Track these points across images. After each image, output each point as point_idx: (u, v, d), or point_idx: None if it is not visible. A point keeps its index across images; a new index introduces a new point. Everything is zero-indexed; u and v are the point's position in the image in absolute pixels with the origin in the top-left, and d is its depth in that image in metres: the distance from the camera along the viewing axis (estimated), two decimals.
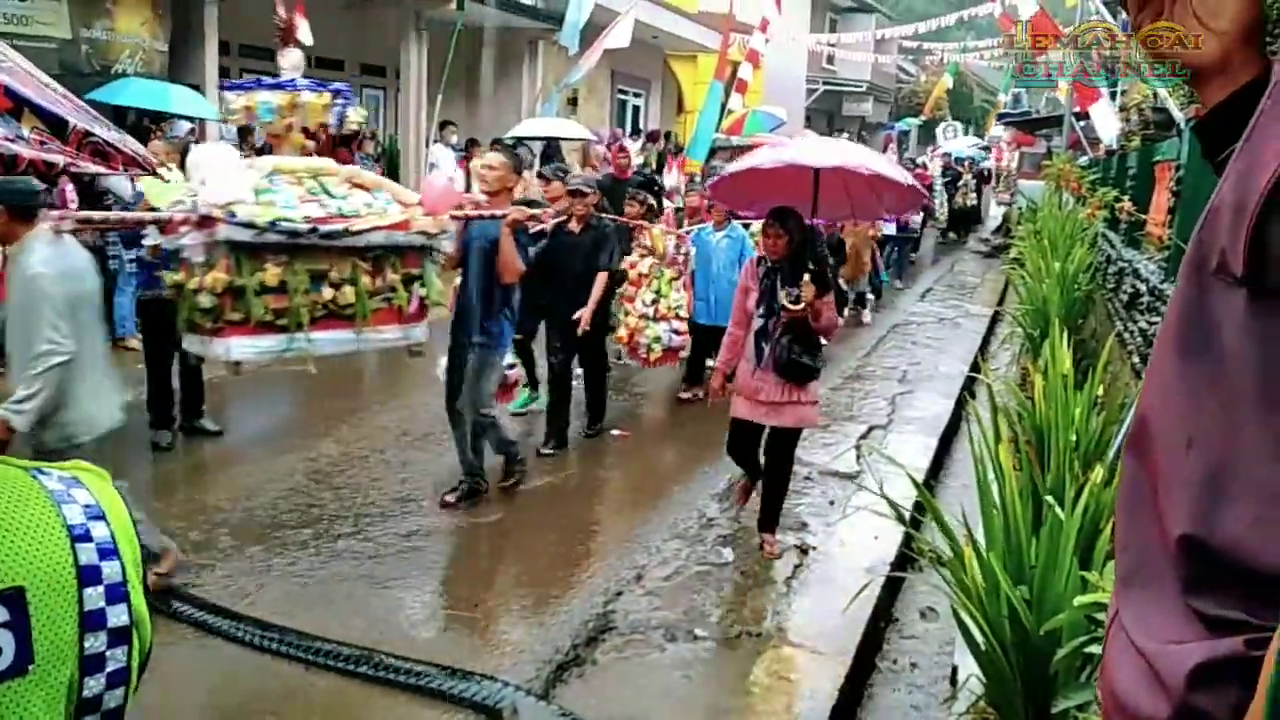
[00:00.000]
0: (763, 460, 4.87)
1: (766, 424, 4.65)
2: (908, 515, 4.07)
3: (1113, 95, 14.04)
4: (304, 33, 4.66)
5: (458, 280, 5.23)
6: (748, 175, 5.08)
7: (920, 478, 5.16)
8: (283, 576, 4.33)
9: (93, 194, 7.08)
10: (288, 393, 7.49)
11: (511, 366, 5.63)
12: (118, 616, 0.88)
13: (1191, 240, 0.83)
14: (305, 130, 4.51)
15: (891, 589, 4.56)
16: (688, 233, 7.45)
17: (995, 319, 11.86)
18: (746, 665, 3.78)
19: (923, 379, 8.66)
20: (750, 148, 7.79)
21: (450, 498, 5.15)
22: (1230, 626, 0.73)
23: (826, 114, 32.06)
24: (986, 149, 24.13)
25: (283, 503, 5.13)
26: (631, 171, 9.75)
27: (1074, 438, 4.07)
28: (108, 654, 0.87)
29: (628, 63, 18.36)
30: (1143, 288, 6.43)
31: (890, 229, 12.69)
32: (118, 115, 8.83)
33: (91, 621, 0.86)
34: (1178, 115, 8.89)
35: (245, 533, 4.73)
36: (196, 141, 8.92)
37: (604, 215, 6.61)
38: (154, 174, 1.70)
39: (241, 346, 4.20)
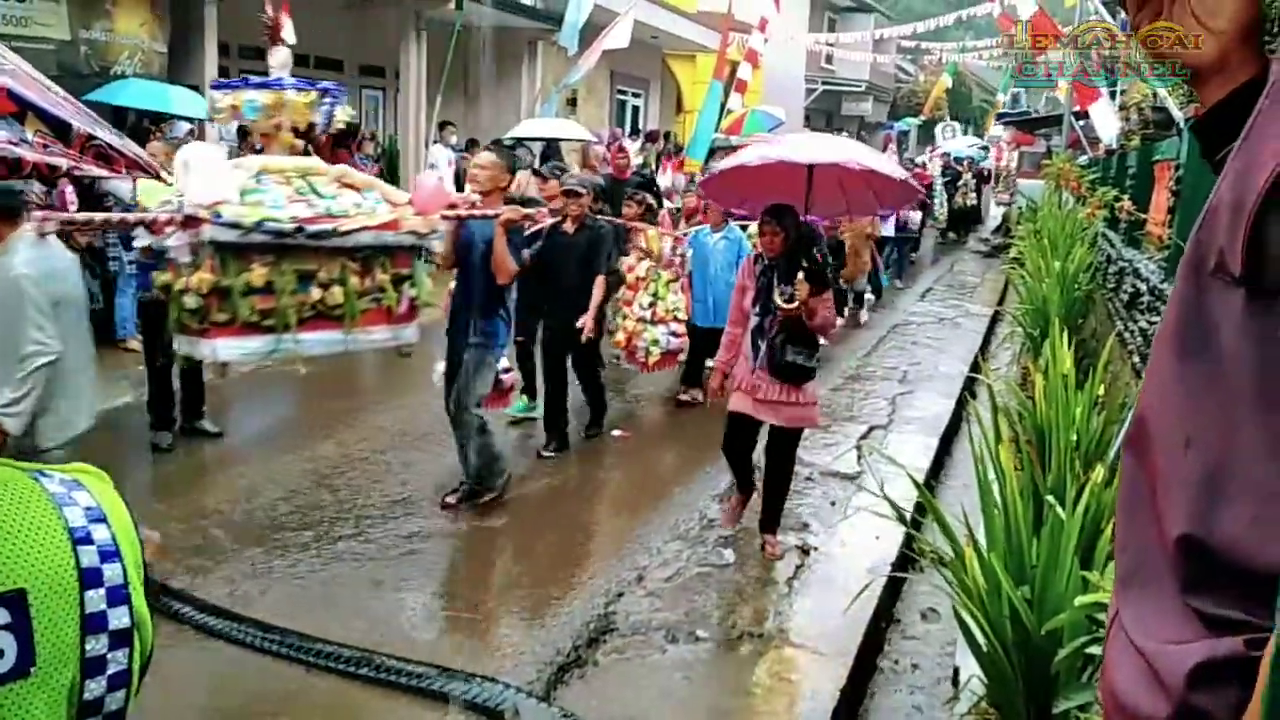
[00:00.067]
0: (762, 461, 4.86)
1: (764, 420, 4.62)
2: (909, 516, 4.06)
3: (1112, 95, 14.05)
4: (288, 31, 4.65)
5: (453, 282, 5.21)
6: (736, 172, 5.05)
7: (921, 478, 5.16)
8: (283, 578, 4.33)
9: (93, 196, 7.08)
10: (288, 394, 7.49)
11: (507, 370, 5.60)
12: (119, 619, 0.88)
13: (1190, 240, 0.83)
14: (295, 130, 4.50)
15: (893, 590, 4.56)
16: (685, 235, 7.43)
17: (995, 319, 11.85)
18: (748, 666, 3.78)
19: (923, 379, 8.66)
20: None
21: (451, 499, 5.14)
22: (1229, 626, 0.73)
23: (825, 114, 32.06)
24: (985, 149, 24.13)
25: (283, 504, 5.13)
26: (630, 172, 9.75)
27: (1075, 437, 4.07)
28: (109, 656, 0.87)
29: (627, 63, 18.36)
30: (1143, 287, 6.43)
31: (890, 229, 12.66)
32: (117, 116, 8.84)
33: (93, 624, 0.86)
34: (1177, 115, 8.89)
35: (245, 534, 4.73)
36: (197, 141, 8.91)
37: (599, 216, 6.60)
38: (157, 177, 1.70)
39: (228, 347, 4.19)
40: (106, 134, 1.16)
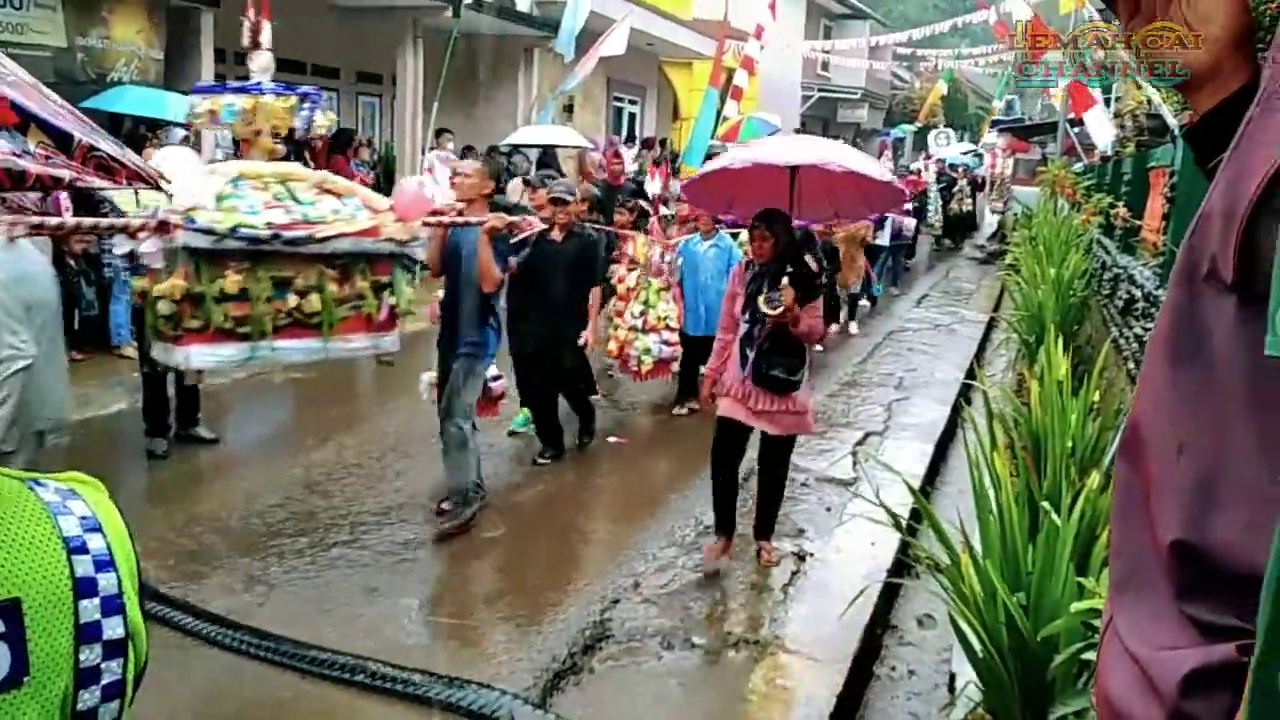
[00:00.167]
0: (754, 469, 4.83)
1: (755, 426, 4.54)
2: (904, 522, 4.07)
3: (1107, 102, 14.09)
4: (266, 35, 4.64)
5: (440, 290, 5.16)
6: (718, 176, 4.97)
7: (917, 484, 5.15)
8: (278, 585, 4.32)
9: (90, 202, 7.07)
10: (283, 400, 7.48)
11: (496, 378, 5.56)
12: (113, 629, 0.88)
13: (1182, 247, 0.84)
14: (277, 135, 4.48)
15: (889, 596, 4.56)
16: (674, 243, 7.37)
17: (991, 325, 11.87)
18: (744, 673, 3.78)
19: (919, 385, 8.67)
20: None
21: (446, 506, 5.13)
22: (1224, 633, 0.73)
23: (822, 120, 32.12)
24: (979, 156, 24.19)
25: (278, 510, 5.12)
26: (625, 178, 9.76)
27: (1070, 444, 4.07)
28: (103, 666, 0.87)
29: (623, 70, 18.40)
30: (1138, 293, 6.44)
31: (885, 238, 12.66)
32: (114, 123, 8.84)
33: (87, 633, 0.86)
34: (1172, 121, 8.92)
35: (240, 541, 4.72)
36: (194, 148, 8.92)
37: (586, 223, 6.55)
38: (158, 188, 1.69)
39: (202, 354, 4.15)
40: (108, 145, 1.16)
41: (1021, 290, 8.99)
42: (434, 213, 4.81)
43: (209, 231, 3.97)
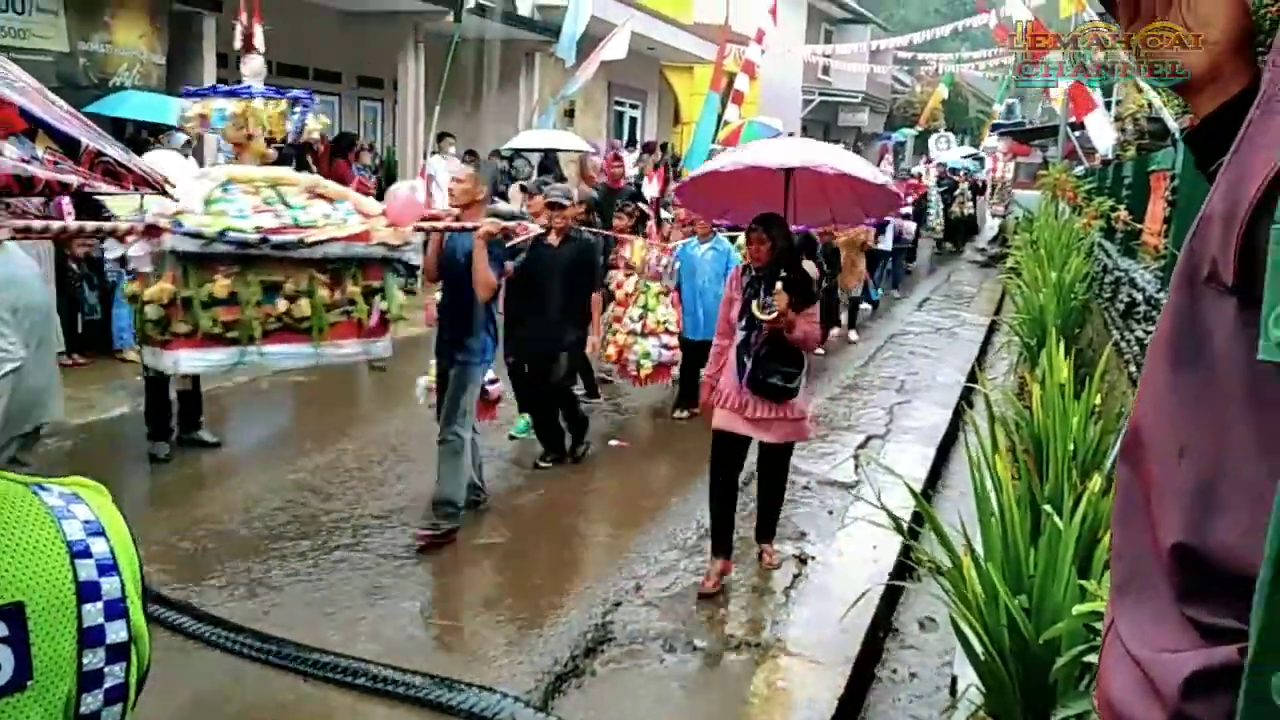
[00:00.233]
0: (756, 473, 4.80)
1: (756, 437, 4.46)
2: (906, 525, 4.06)
3: (1108, 106, 14.09)
4: (259, 39, 4.63)
5: (437, 295, 5.10)
6: (710, 179, 4.90)
7: (918, 487, 5.15)
8: (280, 588, 4.32)
9: (91, 205, 7.08)
10: (285, 404, 7.49)
11: (493, 381, 5.54)
12: (116, 633, 0.88)
13: (1183, 250, 0.84)
14: (272, 139, 4.47)
15: (891, 599, 4.55)
16: (672, 247, 7.35)
17: (992, 328, 11.87)
18: (745, 676, 3.77)
19: (920, 389, 8.67)
20: None
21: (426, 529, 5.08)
22: (1225, 635, 0.74)
23: (823, 125, 32.14)
24: (980, 159, 24.20)
25: (281, 514, 5.12)
26: (625, 181, 9.76)
27: (1072, 447, 4.07)
28: (106, 670, 0.87)
29: (624, 74, 18.41)
30: (1139, 297, 6.44)
31: (887, 243, 12.65)
32: (116, 128, 8.85)
33: (90, 637, 0.86)
34: (1173, 125, 8.91)
35: (243, 544, 4.73)
36: (196, 153, 8.94)
37: (583, 228, 6.53)
38: (163, 193, 1.70)
39: (190, 359, 4.14)
40: (115, 150, 1.16)
41: (1023, 294, 8.99)
42: (430, 218, 4.79)
43: (197, 235, 3.95)
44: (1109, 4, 0.98)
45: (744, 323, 4.38)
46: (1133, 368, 5.89)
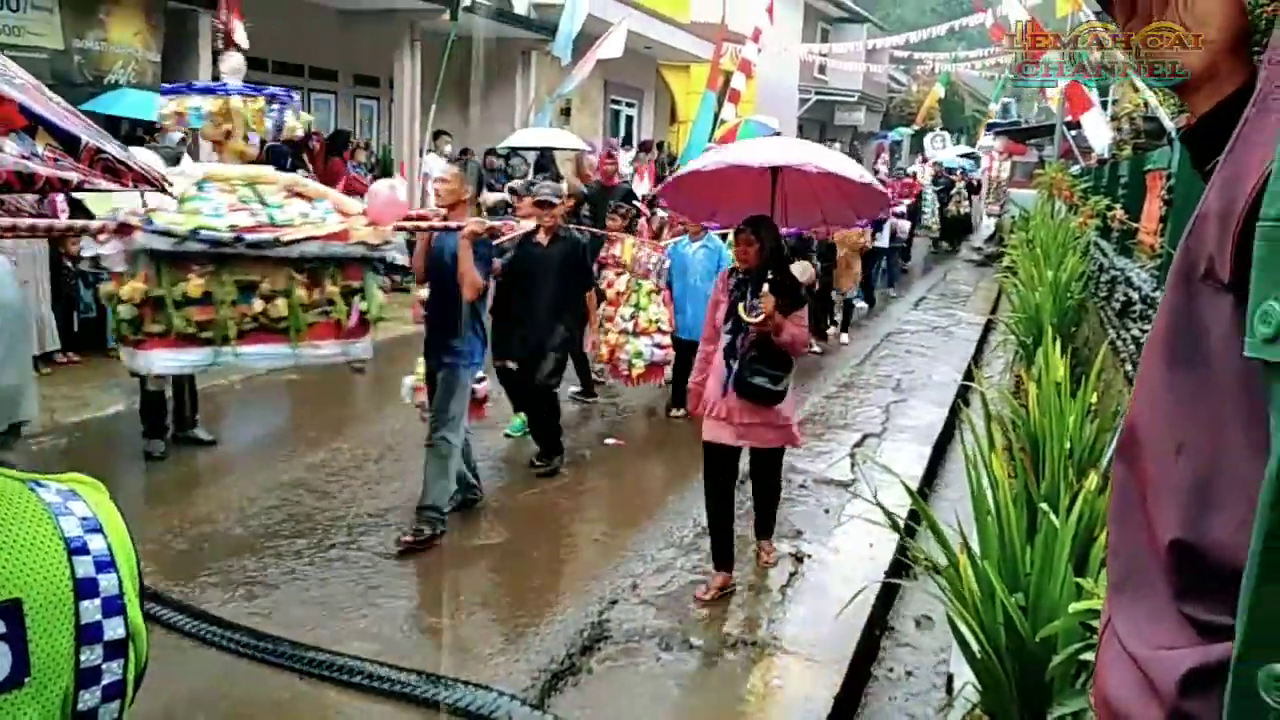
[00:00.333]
0: (749, 476, 4.77)
1: (745, 445, 4.38)
2: (902, 523, 4.07)
3: (1104, 105, 14.11)
4: (240, 35, 4.59)
5: (423, 292, 5.04)
6: (692, 179, 4.82)
7: (915, 486, 5.15)
8: (277, 586, 4.32)
9: (82, 204, 7.06)
10: (281, 402, 7.48)
11: (480, 380, 5.51)
12: (114, 629, 0.88)
13: (1179, 248, 0.84)
14: (263, 138, 4.43)
15: (887, 597, 4.56)
16: (663, 246, 7.33)
17: (988, 327, 11.88)
18: (742, 674, 3.78)
19: (916, 387, 8.68)
20: None
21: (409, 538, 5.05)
22: (1221, 632, 0.74)
23: (819, 124, 32.15)
24: (975, 159, 24.21)
25: (276, 512, 5.12)
26: (619, 179, 9.77)
27: (1068, 445, 4.08)
28: (104, 667, 0.87)
29: (620, 73, 18.41)
30: (1135, 295, 6.45)
31: (884, 240, 12.66)
32: (111, 125, 8.83)
33: (88, 634, 0.86)
34: (1169, 124, 8.93)
35: (239, 543, 4.72)
36: (190, 150, 8.91)
37: (571, 226, 6.50)
38: (163, 190, 1.70)
39: (164, 359, 4.09)
40: (114, 147, 1.16)
41: (1019, 292, 9.00)
42: (417, 218, 4.74)
43: (169, 234, 3.91)
44: (1105, 3, 0.98)
45: (730, 325, 4.29)
46: (1129, 366, 5.91)
